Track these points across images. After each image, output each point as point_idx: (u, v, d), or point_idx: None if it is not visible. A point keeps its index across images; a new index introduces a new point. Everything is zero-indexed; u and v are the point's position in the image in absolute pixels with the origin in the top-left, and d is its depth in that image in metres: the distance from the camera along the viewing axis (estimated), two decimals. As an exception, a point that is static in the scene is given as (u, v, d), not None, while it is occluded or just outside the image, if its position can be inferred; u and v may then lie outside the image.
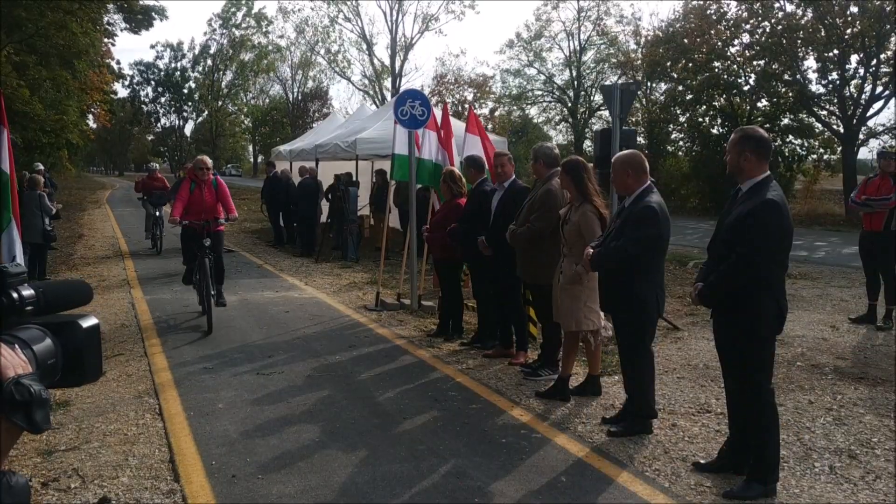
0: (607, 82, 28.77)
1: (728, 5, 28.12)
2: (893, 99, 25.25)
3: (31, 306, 1.12)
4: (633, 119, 34.28)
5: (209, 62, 67.41)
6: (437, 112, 10.22)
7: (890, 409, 5.58)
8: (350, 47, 55.07)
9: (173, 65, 71.69)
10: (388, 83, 50.98)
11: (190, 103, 73.35)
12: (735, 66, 28.68)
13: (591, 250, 5.09)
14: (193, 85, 71.62)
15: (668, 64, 29.56)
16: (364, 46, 51.75)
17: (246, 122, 73.02)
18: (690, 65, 28.74)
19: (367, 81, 54.04)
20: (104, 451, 4.81)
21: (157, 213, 15.69)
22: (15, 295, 1.10)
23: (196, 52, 68.88)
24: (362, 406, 5.70)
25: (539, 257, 6.20)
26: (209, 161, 9.14)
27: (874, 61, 24.93)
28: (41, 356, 1.08)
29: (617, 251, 4.86)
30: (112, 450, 4.82)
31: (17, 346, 1.04)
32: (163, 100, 74.58)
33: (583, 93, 43.13)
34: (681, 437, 5.03)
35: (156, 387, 6.18)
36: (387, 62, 51.23)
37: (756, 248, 3.99)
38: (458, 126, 11.50)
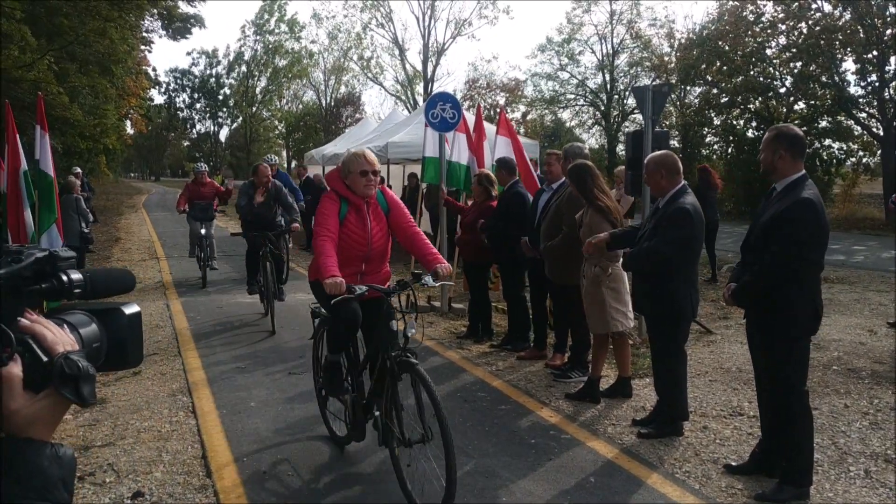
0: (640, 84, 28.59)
1: (764, 6, 27.78)
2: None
3: (78, 289, 1.17)
4: (668, 122, 33.99)
5: (243, 68, 68.27)
6: (469, 115, 10.24)
7: (929, 414, 5.46)
8: (382, 53, 55.39)
9: (208, 71, 72.76)
10: (420, 88, 51.14)
11: (225, 109, 74.33)
12: (771, 69, 28.30)
13: (602, 237, 5.11)
14: (228, 91, 72.58)
15: (703, 67, 29.25)
16: (396, 52, 51.98)
17: (280, 127, 73.77)
18: (725, 67, 28.42)
19: (399, 87, 54.30)
20: (138, 447, 4.89)
21: (203, 231, 11.80)
22: (65, 278, 1.15)
23: (231, 58, 69.82)
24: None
25: (566, 258, 6.19)
26: (375, 159, 4.56)
27: (915, 62, 24.44)
28: (87, 339, 1.13)
29: (649, 252, 4.83)
30: (146, 446, 4.91)
31: (65, 326, 1.09)
32: (198, 106, 75.70)
33: (616, 96, 42.86)
34: (712, 440, 4.97)
35: (189, 385, 6.27)
36: (419, 67, 51.42)
37: (791, 246, 3.93)
38: (490, 130, 11.51)
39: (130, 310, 1.22)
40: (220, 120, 76.56)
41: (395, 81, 54.68)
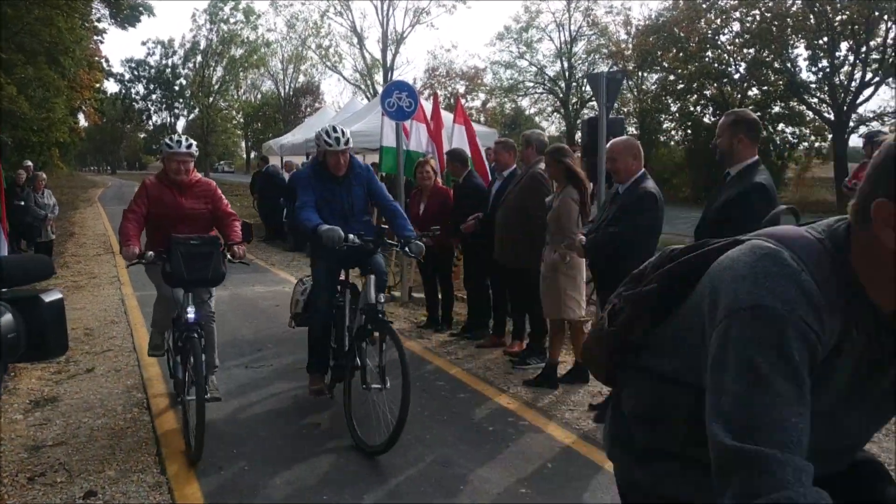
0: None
1: (718, -7, 28.14)
2: (883, 86, 25.35)
3: None
4: (626, 109, 34.34)
5: (199, 58, 67.18)
6: (427, 104, 10.21)
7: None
8: (341, 41, 55.08)
9: (164, 62, 71.45)
10: (379, 77, 50.89)
11: (181, 100, 73.10)
12: (726, 55, 28.72)
13: (584, 237, 5.08)
14: (184, 81, 71.38)
15: (659, 53, 29.57)
16: (355, 40, 51.67)
17: (238, 117, 72.79)
18: (681, 54, 28.77)
19: (358, 76, 54.00)
20: (91, 445, 4.80)
21: (191, 315, 4.74)
22: None
23: (187, 48, 68.65)
24: (351, 397, 5.70)
25: (520, 240, 6.21)
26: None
27: (864, 48, 24.96)
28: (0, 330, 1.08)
29: (615, 236, 4.85)
30: (99, 444, 4.81)
31: None
32: (154, 97, 74.33)
33: (574, 84, 43.11)
34: (667, 423, 5.04)
35: (144, 381, 6.17)
36: (378, 56, 51.16)
37: (744, 230, 3.97)
38: (448, 118, 11.50)
39: (51, 297, 1.18)
40: (176, 111, 75.29)
41: (354, 70, 54.44)
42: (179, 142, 5.28)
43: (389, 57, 49.86)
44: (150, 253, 4.83)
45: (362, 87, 52.78)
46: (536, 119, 47.84)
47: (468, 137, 8.86)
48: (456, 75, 49.53)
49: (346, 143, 5.05)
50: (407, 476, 4.25)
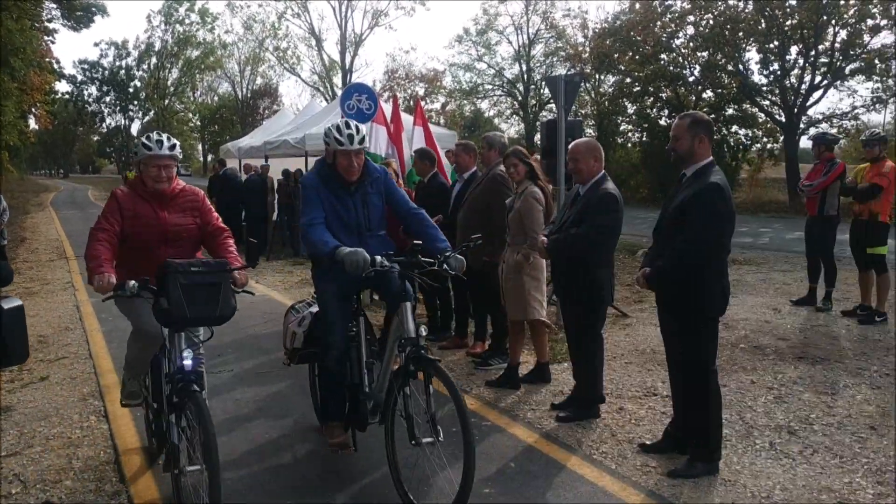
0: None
1: (672, -3, 28.62)
2: (831, 89, 26.04)
3: None
4: (584, 111, 34.72)
5: (154, 60, 66.19)
6: (387, 106, 10.20)
7: (828, 387, 5.76)
8: (299, 43, 54.73)
9: (118, 63, 70.24)
10: (338, 79, 50.67)
11: (136, 102, 71.92)
12: (680, 58, 29.22)
13: (545, 238, 5.12)
14: (139, 83, 70.24)
15: (616, 56, 29.96)
16: (313, 42, 51.38)
17: (194, 120, 71.82)
18: (637, 57, 29.18)
19: (317, 78, 53.71)
20: (47, 455, 4.70)
21: (187, 360, 3.73)
22: None
23: (142, 49, 67.58)
24: (312, 402, 5.67)
25: (484, 242, 6.23)
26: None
27: (813, 52, 25.59)
28: None
29: (578, 238, 4.89)
30: (55, 454, 4.72)
31: None
32: (108, 99, 72.99)
33: (533, 86, 43.44)
34: (627, 420, 5.12)
35: (101, 389, 6.06)
36: (337, 58, 50.94)
37: (701, 230, 4.05)
38: (408, 120, 11.52)
39: (10, 304, 1.17)
40: (131, 113, 74.04)
41: (313, 72, 54.15)
42: (160, 141, 4.11)
43: (348, 59, 49.72)
44: (133, 283, 3.59)
45: (321, 89, 52.52)
46: (496, 121, 48.15)
47: (426, 139, 8.89)
48: (415, 77, 49.55)
49: (361, 141, 4.21)
50: (371, 479, 4.26)
